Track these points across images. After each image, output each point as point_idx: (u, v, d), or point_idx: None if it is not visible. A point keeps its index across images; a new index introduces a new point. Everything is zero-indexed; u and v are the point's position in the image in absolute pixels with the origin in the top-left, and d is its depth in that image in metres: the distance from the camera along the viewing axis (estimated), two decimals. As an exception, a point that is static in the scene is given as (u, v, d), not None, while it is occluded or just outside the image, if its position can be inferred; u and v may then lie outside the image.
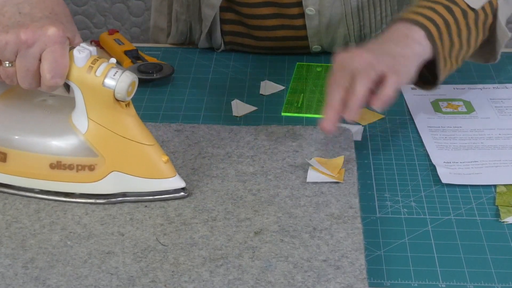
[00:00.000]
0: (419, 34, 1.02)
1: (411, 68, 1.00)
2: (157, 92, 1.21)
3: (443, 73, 1.06)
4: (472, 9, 1.07)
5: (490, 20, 1.10)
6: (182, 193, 0.94)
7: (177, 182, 0.94)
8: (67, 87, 1.04)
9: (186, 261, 0.84)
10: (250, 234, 0.88)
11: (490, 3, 1.09)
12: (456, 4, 1.06)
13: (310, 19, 1.25)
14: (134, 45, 1.31)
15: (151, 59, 1.28)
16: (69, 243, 0.87)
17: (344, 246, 0.86)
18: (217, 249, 0.86)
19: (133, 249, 0.86)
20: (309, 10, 1.24)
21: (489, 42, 1.14)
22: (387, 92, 0.96)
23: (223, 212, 0.92)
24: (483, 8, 1.08)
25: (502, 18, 1.11)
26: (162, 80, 1.23)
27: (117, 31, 1.35)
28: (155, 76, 1.22)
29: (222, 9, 1.29)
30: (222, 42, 1.33)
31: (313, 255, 0.84)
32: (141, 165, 0.92)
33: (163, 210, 0.92)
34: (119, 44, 1.31)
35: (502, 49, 1.14)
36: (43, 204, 0.93)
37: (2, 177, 0.95)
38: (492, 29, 1.11)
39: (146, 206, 0.93)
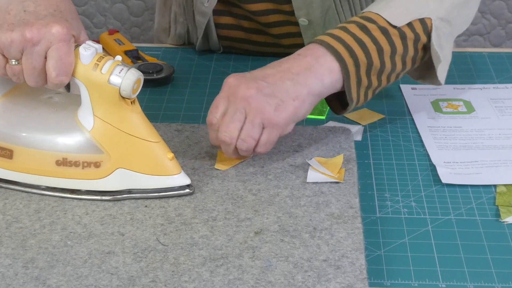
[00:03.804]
0: (331, 65, 0.98)
1: (300, 112, 0.97)
2: (157, 92, 1.21)
3: (355, 97, 1.00)
4: (394, 27, 1.02)
5: (424, 40, 1.03)
6: (187, 190, 0.94)
7: (182, 179, 0.94)
8: (67, 86, 1.04)
9: (186, 261, 0.84)
10: (250, 234, 0.88)
11: (422, 22, 1.03)
12: (374, 22, 1.01)
13: (304, 29, 1.25)
14: (134, 45, 1.31)
15: (151, 59, 1.28)
16: (69, 243, 0.87)
17: (344, 246, 0.86)
18: (217, 249, 0.86)
19: (133, 249, 0.86)
20: (302, 21, 1.24)
21: (429, 64, 1.07)
22: (262, 141, 0.96)
23: (223, 212, 0.92)
24: (411, 26, 1.02)
25: (438, 40, 1.04)
26: (162, 80, 1.23)
27: (117, 31, 1.35)
28: (155, 76, 1.22)
29: (216, 12, 1.28)
30: (220, 47, 1.33)
31: (313, 255, 0.84)
32: (147, 162, 0.92)
33: (163, 210, 0.92)
34: (119, 44, 1.31)
35: (444, 73, 1.07)
36: (43, 204, 0.93)
37: (8, 174, 0.95)
38: (427, 50, 1.05)
39: (146, 206, 0.93)
